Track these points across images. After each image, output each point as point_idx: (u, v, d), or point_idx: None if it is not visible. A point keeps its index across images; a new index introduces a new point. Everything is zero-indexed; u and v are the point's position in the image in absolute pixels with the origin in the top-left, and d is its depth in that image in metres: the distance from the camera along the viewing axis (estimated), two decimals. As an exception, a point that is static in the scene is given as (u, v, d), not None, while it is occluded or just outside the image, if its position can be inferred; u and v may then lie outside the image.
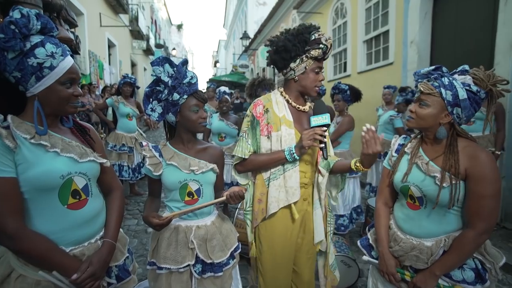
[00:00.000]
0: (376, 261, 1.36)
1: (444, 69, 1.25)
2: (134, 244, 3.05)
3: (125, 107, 4.06)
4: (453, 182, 1.14)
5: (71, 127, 1.13)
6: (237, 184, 1.78)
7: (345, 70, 6.97)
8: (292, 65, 1.39)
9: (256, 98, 1.52)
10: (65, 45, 1.05)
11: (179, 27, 37.42)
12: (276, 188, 1.42)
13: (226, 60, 31.61)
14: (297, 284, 1.58)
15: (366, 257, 1.42)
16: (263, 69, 14.10)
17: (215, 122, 3.63)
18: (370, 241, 1.45)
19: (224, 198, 1.30)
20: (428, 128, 1.24)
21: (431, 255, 1.20)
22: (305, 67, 1.38)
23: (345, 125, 2.99)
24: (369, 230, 1.52)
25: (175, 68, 1.30)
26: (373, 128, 1.29)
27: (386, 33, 5.41)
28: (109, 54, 10.59)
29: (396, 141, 1.44)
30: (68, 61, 1.02)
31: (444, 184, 1.15)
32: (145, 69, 17.34)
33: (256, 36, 14.30)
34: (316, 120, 1.34)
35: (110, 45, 10.61)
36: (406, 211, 1.30)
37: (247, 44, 14.59)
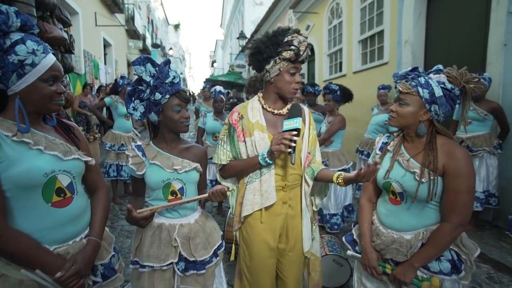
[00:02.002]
0: (360, 255, 1.41)
1: (420, 69, 1.33)
2: (127, 244, 3.04)
3: (124, 107, 4.05)
4: (431, 177, 1.20)
5: (55, 126, 1.12)
6: None
7: (340, 70, 6.99)
8: (267, 66, 1.40)
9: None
10: (47, 44, 1.04)
11: (176, 27, 37.34)
12: (251, 191, 1.44)
13: (223, 60, 31.59)
14: None
15: (350, 252, 1.46)
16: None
17: (210, 121, 3.62)
18: (354, 237, 1.49)
19: (206, 195, 1.34)
20: (409, 126, 1.29)
21: (410, 248, 1.24)
22: (279, 69, 1.39)
23: (336, 124, 3.01)
24: (354, 226, 1.56)
25: (157, 68, 1.30)
26: (379, 165, 1.19)
27: (381, 33, 5.43)
28: (105, 54, 10.54)
29: (380, 139, 1.49)
30: (50, 58, 1.02)
31: (423, 180, 1.20)
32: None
33: (252, 36, 14.29)
34: (287, 124, 1.33)
35: (106, 45, 10.56)
36: (388, 206, 1.35)
37: (244, 44, 14.58)
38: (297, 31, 1.39)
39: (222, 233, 1.55)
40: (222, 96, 3.66)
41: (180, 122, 1.36)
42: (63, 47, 4.83)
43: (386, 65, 5.23)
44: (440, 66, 1.30)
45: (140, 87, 1.34)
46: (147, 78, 1.30)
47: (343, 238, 1.55)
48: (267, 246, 1.46)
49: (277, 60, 1.38)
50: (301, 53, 1.35)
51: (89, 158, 1.15)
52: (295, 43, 1.34)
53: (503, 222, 3.23)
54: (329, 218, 3.15)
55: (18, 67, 0.95)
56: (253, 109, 1.47)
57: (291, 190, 1.48)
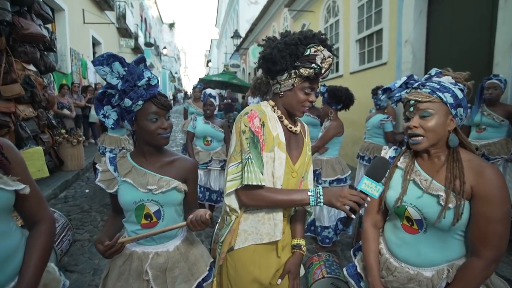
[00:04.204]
0: None
1: (416, 76, 1.17)
2: (105, 261, 2.77)
3: None
4: (459, 202, 0.98)
5: None
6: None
7: (337, 71, 6.78)
8: (279, 78, 1.15)
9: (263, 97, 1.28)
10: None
11: (171, 26, 36.97)
12: (259, 219, 1.17)
13: (218, 59, 31.32)
14: None
15: None
16: (256, 69, 13.84)
17: (200, 125, 3.38)
18: (358, 269, 1.26)
19: (184, 223, 1.10)
20: (439, 141, 1.07)
21: None
22: (293, 85, 1.13)
23: (331, 130, 2.75)
24: (355, 254, 1.35)
25: (126, 68, 1.06)
26: None
27: (379, 32, 5.23)
28: (94, 53, 10.18)
29: (387, 153, 1.27)
30: None
31: (449, 205, 0.98)
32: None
33: (247, 35, 14.06)
34: (367, 185, 1.04)
35: (95, 43, 10.22)
36: (401, 234, 1.12)
37: (238, 43, 14.34)
38: (323, 41, 1.11)
39: (212, 260, 1.32)
40: (212, 100, 3.41)
41: (157, 133, 1.12)
42: (43, 45, 4.55)
43: (385, 66, 5.03)
44: (436, 70, 1.13)
45: (110, 90, 1.11)
46: (113, 81, 1.07)
47: (344, 271, 1.32)
48: (259, 286, 1.22)
49: (292, 74, 1.11)
50: (322, 71, 1.10)
51: (21, 186, 0.88)
52: (318, 61, 1.07)
53: (511, 234, 3.02)
54: (321, 231, 2.92)
55: None
56: (270, 118, 1.18)
57: (286, 218, 1.28)
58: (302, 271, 1.36)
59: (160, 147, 1.20)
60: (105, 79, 1.08)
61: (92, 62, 1.09)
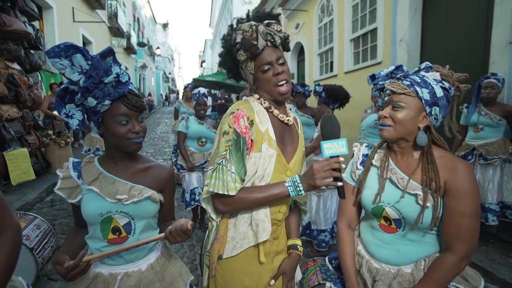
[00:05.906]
0: None
1: (405, 68, 1.15)
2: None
3: None
4: (435, 199, 1.00)
5: None
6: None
7: (331, 70, 6.73)
8: (241, 72, 1.15)
9: None
10: None
11: (165, 26, 36.69)
12: (245, 220, 1.09)
13: (212, 59, 31.14)
14: None
15: None
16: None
17: (194, 125, 3.27)
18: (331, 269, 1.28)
19: (162, 235, 0.99)
20: (407, 135, 1.05)
21: (414, 282, 1.04)
22: (251, 73, 1.11)
23: None
24: (331, 262, 1.31)
25: (90, 62, 0.93)
26: None
27: (374, 31, 5.19)
28: (85, 52, 9.99)
29: (360, 151, 1.23)
30: None
31: (427, 204, 0.99)
32: (126, 68, 16.74)
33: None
34: (330, 148, 0.97)
35: (86, 42, 10.01)
36: (379, 235, 1.11)
37: (232, 43, 14.20)
38: (245, 17, 1.14)
39: (192, 277, 1.20)
40: (205, 99, 3.30)
41: (126, 138, 1.00)
42: (28, 43, 4.39)
43: (380, 65, 4.99)
44: (429, 63, 1.10)
45: (72, 86, 0.98)
46: (74, 76, 0.93)
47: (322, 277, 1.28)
48: None
49: (242, 65, 1.11)
50: (255, 42, 1.03)
51: None
52: (238, 39, 1.05)
53: (508, 235, 2.98)
54: (317, 234, 2.84)
55: None
56: (258, 113, 1.10)
57: (281, 222, 1.19)
58: (299, 276, 1.28)
59: (132, 153, 1.08)
60: (63, 74, 0.94)
61: (46, 53, 0.94)
